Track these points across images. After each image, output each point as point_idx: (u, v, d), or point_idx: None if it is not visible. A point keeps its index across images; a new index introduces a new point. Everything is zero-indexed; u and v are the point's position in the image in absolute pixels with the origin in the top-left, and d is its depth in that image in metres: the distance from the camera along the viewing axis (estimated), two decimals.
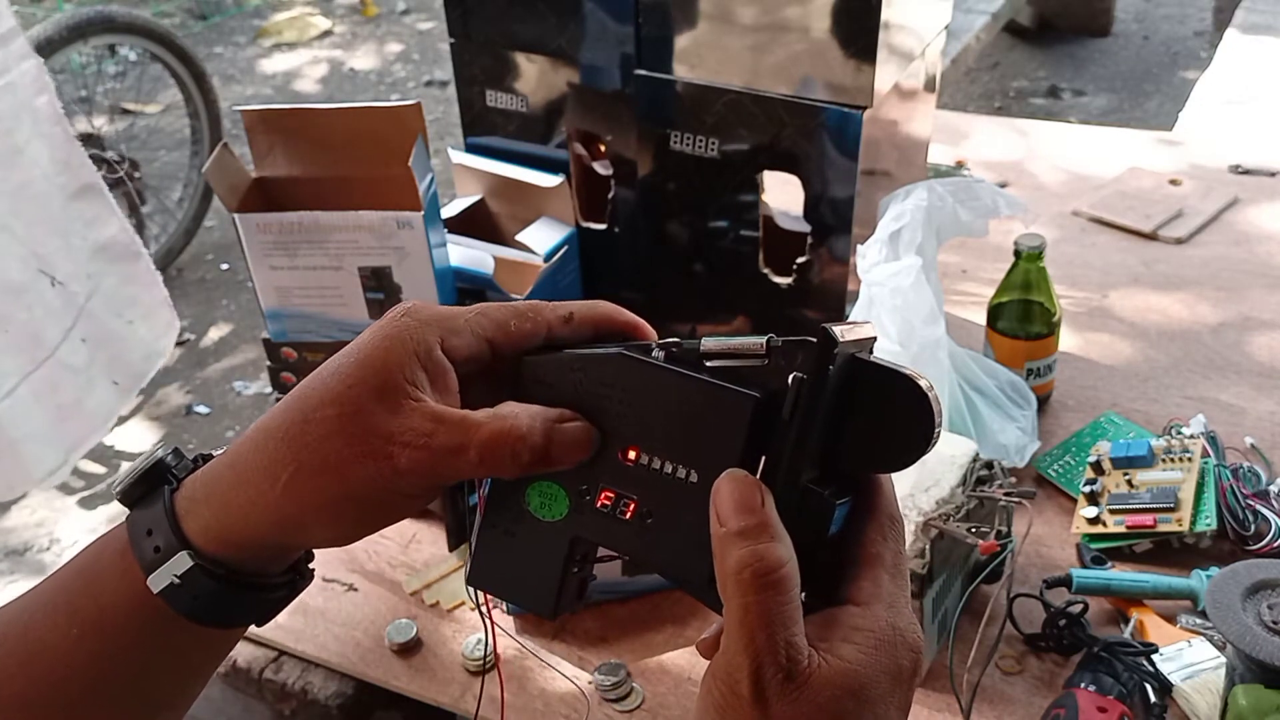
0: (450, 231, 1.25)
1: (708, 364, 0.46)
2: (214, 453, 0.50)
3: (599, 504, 0.48)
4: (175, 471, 0.49)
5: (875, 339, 0.46)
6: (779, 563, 0.41)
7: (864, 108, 1.15)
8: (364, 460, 0.45)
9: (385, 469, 0.45)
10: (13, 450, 1.57)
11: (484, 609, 0.53)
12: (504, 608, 1.03)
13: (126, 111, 3.74)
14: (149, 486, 0.48)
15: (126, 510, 0.49)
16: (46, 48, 2.82)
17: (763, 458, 0.44)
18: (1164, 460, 1.11)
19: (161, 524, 0.47)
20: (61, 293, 1.60)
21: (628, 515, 0.47)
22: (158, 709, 0.51)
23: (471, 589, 0.52)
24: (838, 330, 0.43)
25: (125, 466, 2.57)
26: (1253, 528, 1.07)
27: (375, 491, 0.46)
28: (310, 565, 0.52)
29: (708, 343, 0.46)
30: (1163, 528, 1.06)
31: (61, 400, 1.61)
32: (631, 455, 0.47)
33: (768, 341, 0.45)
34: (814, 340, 0.43)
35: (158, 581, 0.46)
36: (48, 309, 1.58)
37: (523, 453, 0.46)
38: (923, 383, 0.43)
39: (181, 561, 0.46)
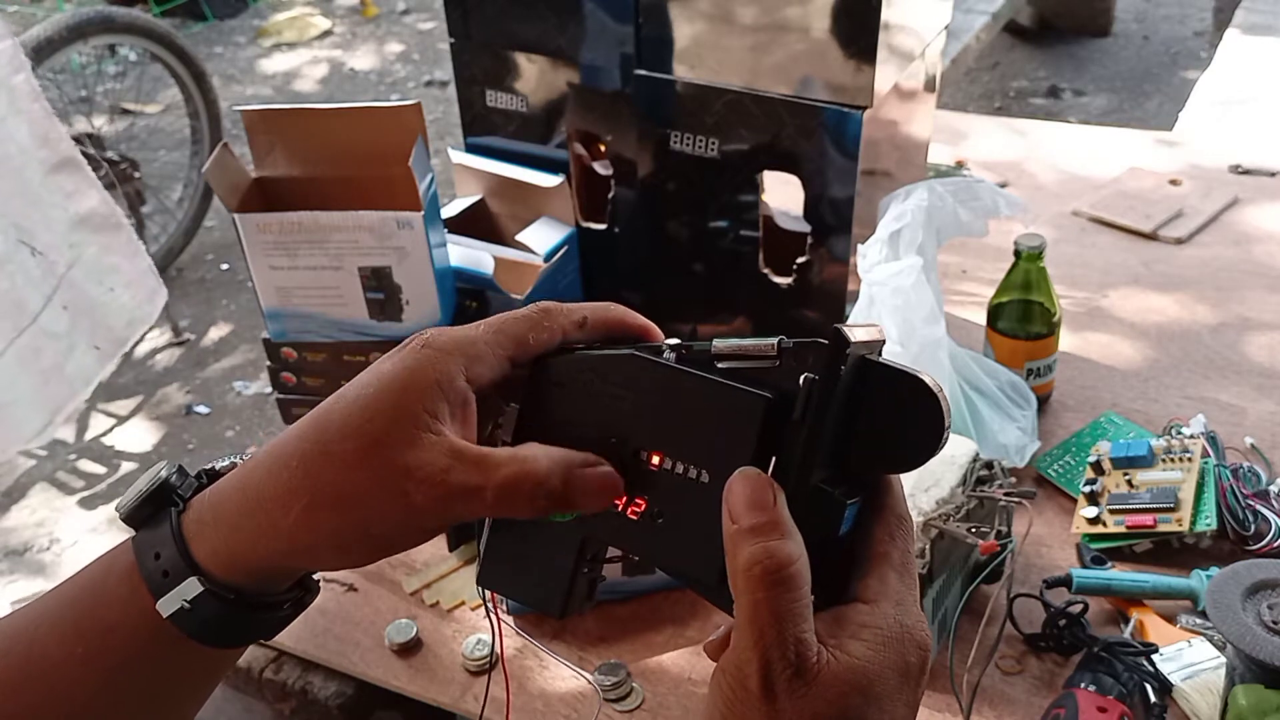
0: (450, 231, 1.25)
1: (719, 365, 0.46)
2: (217, 466, 0.50)
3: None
4: (180, 491, 0.48)
5: (884, 341, 0.46)
6: (789, 560, 0.42)
7: (864, 108, 1.15)
8: (380, 495, 0.45)
9: (401, 505, 0.45)
10: (1, 415, 1.60)
11: (490, 607, 0.53)
12: (505, 607, 1.03)
13: (126, 111, 3.74)
14: (155, 507, 0.48)
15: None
16: (46, 48, 2.82)
17: (774, 458, 0.44)
18: (1164, 460, 1.11)
19: (169, 547, 0.47)
20: (41, 262, 1.63)
21: (638, 515, 0.47)
22: None
23: (481, 589, 0.52)
24: (849, 332, 0.43)
25: (132, 468, 2.56)
26: (1253, 528, 1.07)
27: (390, 525, 0.46)
28: (315, 578, 0.52)
29: (718, 344, 0.46)
30: (1163, 528, 1.06)
31: (43, 365, 1.65)
32: (643, 456, 0.47)
33: (778, 343, 0.45)
34: (825, 342, 0.43)
35: (167, 606, 0.46)
36: (28, 277, 1.62)
37: (539, 498, 0.46)
38: (933, 384, 0.43)
39: (191, 587, 0.46)
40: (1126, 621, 1.01)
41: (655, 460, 0.47)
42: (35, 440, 1.68)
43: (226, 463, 0.50)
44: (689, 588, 0.47)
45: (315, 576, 0.52)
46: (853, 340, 0.43)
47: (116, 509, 0.49)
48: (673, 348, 0.48)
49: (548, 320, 0.49)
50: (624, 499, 0.47)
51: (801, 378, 0.43)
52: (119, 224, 1.76)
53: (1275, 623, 0.83)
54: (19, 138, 1.62)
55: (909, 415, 0.44)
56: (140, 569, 0.47)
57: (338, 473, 0.45)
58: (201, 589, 0.46)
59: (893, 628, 0.43)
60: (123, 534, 0.49)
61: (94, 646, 0.47)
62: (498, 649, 1.01)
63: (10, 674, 0.47)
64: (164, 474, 0.48)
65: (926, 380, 0.43)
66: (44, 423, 1.67)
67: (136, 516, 0.48)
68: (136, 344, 3.08)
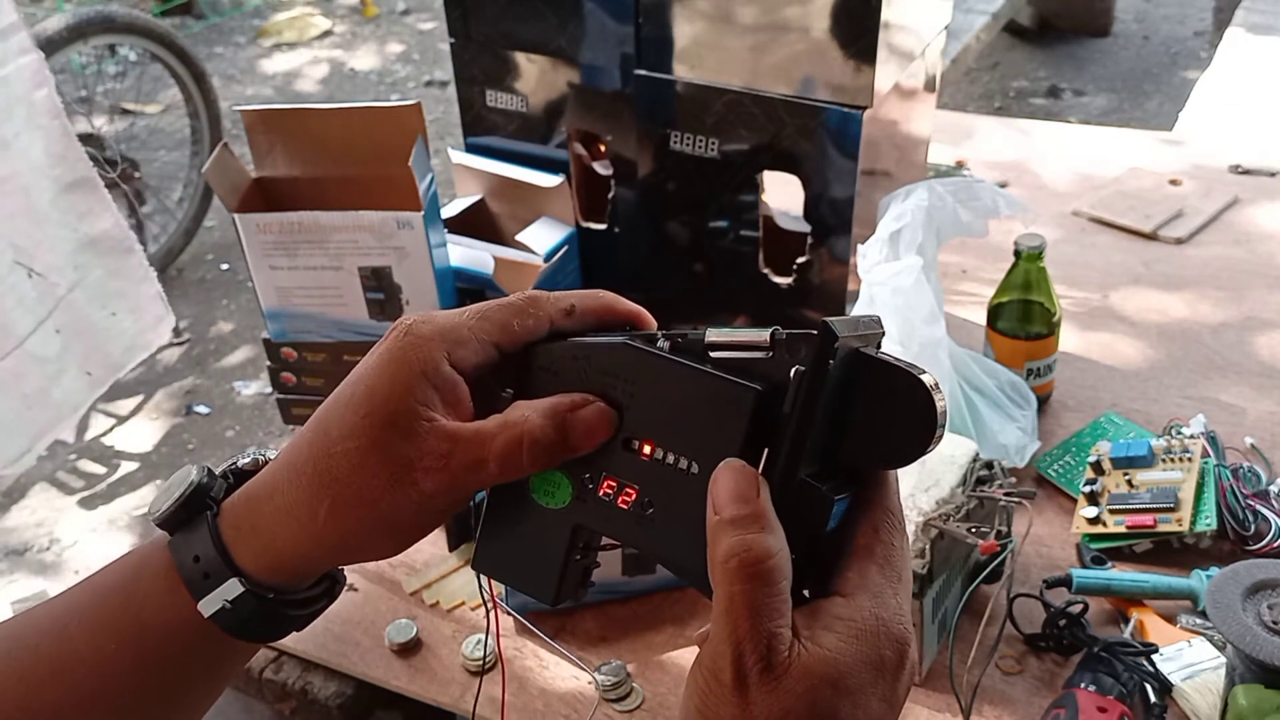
0: (450, 231, 1.25)
1: (712, 355, 0.46)
2: (241, 463, 0.51)
3: (601, 493, 0.48)
4: (213, 495, 0.49)
5: (883, 333, 0.46)
6: (767, 554, 0.41)
7: (864, 108, 1.15)
8: (392, 489, 0.46)
9: (413, 494, 0.46)
10: None
11: (486, 589, 0.53)
12: (505, 606, 1.03)
13: (126, 111, 3.74)
14: (190, 512, 0.49)
15: (129, 516, 0.49)
16: (46, 48, 2.81)
17: (765, 450, 0.44)
18: (1164, 460, 1.11)
19: (209, 551, 0.48)
20: (39, 284, 1.63)
21: (628, 504, 0.47)
22: (183, 715, 0.52)
23: (477, 575, 0.52)
24: (839, 324, 0.43)
25: (133, 468, 2.55)
26: (1253, 528, 1.07)
27: (408, 515, 0.47)
28: (343, 568, 0.53)
29: (712, 334, 0.46)
30: (1163, 528, 1.06)
31: (26, 390, 1.64)
32: (634, 445, 0.47)
33: (772, 334, 0.44)
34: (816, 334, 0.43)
35: (209, 606, 0.47)
36: (20, 300, 1.61)
37: (539, 454, 0.47)
38: (927, 379, 0.43)
39: (233, 588, 0.47)
40: (1126, 621, 1.01)
41: (646, 450, 0.47)
42: (12, 467, 1.67)
43: (248, 459, 0.51)
44: (680, 578, 0.47)
45: (343, 568, 0.53)
46: (843, 333, 0.42)
47: (149, 514, 0.50)
48: (666, 336, 0.48)
49: (534, 308, 0.50)
50: (615, 487, 0.47)
51: (792, 370, 0.43)
52: (130, 248, 1.75)
53: (1275, 623, 0.83)
54: (32, 155, 1.61)
55: (901, 410, 0.43)
56: (180, 570, 0.48)
57: (349, 473, 0.46)
58: (243, 589, 0.47)
59: (867, 620, 0.42)
60: (123, 533, 0.50)
61: (126, 643, 0.48)
62: (494, 634, 1.01)
63: (40, 670, 0.48)
64: (195, 478, 0.49)
65: (920, 375, 0.43)
66: (22, 449, 1.66)
67: (173, 521, 0.49)
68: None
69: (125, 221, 1.75)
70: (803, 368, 0.43)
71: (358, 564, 0.52)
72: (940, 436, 0.43)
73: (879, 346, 0.45)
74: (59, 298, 1.65)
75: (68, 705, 0.48)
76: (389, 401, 0.46)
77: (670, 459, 0.46)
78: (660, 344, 0.47)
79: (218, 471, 0.51)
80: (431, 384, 0.47)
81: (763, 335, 0.45)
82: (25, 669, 0.48)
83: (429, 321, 0.48)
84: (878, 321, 0.46)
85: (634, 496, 0.47)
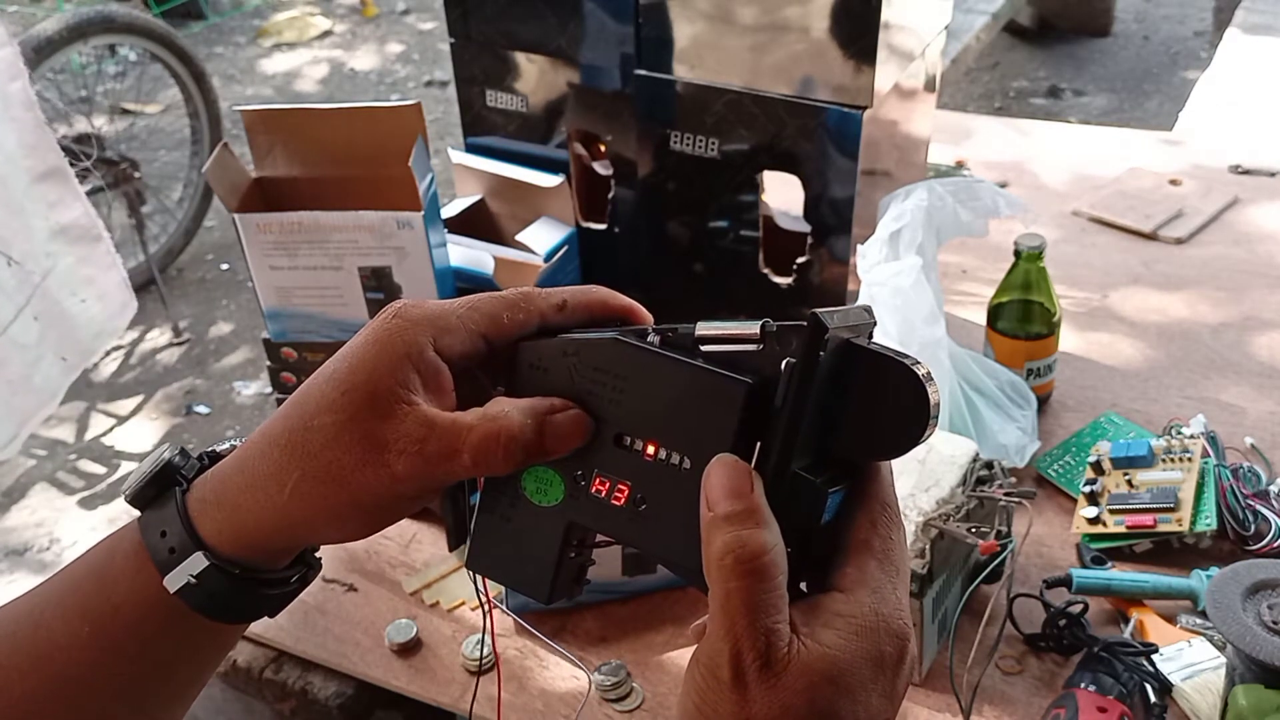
0: (450, 231, 1.25)
1: (703, 349, 0.45)
2: (218, 449, 0.51)
3: (593, 490, 0.47)
4: (184, 472, 0.49)
5: (874, 324, 0.46)
6: (762, 549, 0.41)
7: (864, 108, 1.15)
8: (362, 468, 0.46)
9: (383, 476, 0.46)
10: None
11: (482, 595, 0.53)
12: (504, 607, 1.03)
13: (126, 111, 3.74)
14: (159, 488, 0.49)
15: (130, 510, 0.49)
16: (46, 48, 2.82)
17: (757, 444, 0.44)
18: (1164, 460, 1.11)
19: (175, 525, 0.48)
20: (17, 272, 1.64)
21: (621, 501, 0.47)
22: (166, 703, 0.51)
23: (472, 575, 0.52)
24: (829, 315, 0.42)
25: (132, 468, 2.59)
26: (1253, 528, 1.07)
27: (375, 497, 0.46)
28: (317, 555, 0.53)
29: (703, 328, 0.46)
30: (1163, 528, 1.06)
31: (11, 376, 1.65)
32: (626, 441, 0.47)
33: (763, 326, 0.44)
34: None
35: (174, 581, 0.47)
36: (2, 288, 1.61)
37: (515, 451, 0.46)
38: (919, 369, 0.42)
39: (197, 562, 0.47)
40: (1126, 621, 1.01)
41: (638, 446, 0.46)
42: (3, 453, 1.68)
43: (227, 445, 0.51)
44: (675, 574, 0.47)
45: (317, 554, 0.53)
46: (833, 325, 0.42)
47: (123, 491, 0.50)
48: (657, 330, 0.47)
49: (525, 302, 0.50)
50: (608, 484, 0.47)
51: (784, 363, 0.43)
52: (99, 236, 1.77)
53: (1275, 623, 0.83)
54: (6, 146, 1.62)
55: (894, 400, 0.43)
56: (147, 547, 0.48)
57: (322, 447, 0.46)
58: (207, 564, 0.47)
59: (867, 616, 0.42)
60: None
61: (101, 626, 0.47)
62: (490, 633, 1.01)
63: (17, 657, 0.48)
64: (167, 456, 0.49)
65: (911, 365, 0.42)
66: (10, 435, 1.67)
67: (142, 497, 0.49)
68: (131, 348, 3.08)
69: (93, 209, 1.76)
70: (794, 360, 0.43)
71: (324, 544, 0.51)
72: (934, 426, 0.43)
73: (870, 337, 0.45)
74: (35, 285, 1.66)
75: (44, 692, 0.47)
76: (370, 380, 0.46)
77: (662, 455, 0.46)
78: (650, 339, 0.47)
79: (195, 454, 0.51)
80: (414, 367, 0.46)
81: (753, 328, 0.44)
82: (0, 657, 0.48)
83: (419, 307, 0.48)
84: (869, 312, 0.46)
85: (626, 493, 0.47)
